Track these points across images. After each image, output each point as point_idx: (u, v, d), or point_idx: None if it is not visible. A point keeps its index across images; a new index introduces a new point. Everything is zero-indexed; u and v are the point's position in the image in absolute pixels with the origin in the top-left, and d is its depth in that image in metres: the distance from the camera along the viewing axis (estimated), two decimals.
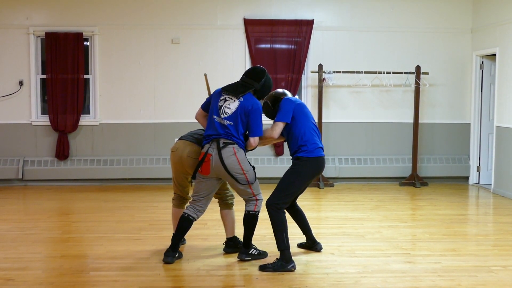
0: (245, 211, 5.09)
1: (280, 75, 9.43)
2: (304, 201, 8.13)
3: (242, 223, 5.09)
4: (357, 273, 4.77)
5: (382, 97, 9.69)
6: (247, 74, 5.08)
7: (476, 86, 9.59)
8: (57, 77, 9.21)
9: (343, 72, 9.33)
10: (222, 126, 4.92)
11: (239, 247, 5.24)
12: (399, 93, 9.70)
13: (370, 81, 9.48)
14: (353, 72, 9.37)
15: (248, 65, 9.45)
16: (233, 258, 5.16)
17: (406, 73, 9.45)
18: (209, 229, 6.22)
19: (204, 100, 5.22)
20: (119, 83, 9.43)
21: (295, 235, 5.56)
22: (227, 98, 4.96)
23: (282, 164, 9.42)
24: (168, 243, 5.56)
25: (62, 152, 9.29)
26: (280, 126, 4.98)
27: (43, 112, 9.47)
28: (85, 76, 9.37)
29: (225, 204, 5.33)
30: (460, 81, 9.80)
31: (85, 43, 9.37)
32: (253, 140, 4.96)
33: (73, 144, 9.40)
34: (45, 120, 9.35)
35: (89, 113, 9.52)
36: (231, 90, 4.97)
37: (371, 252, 5.42)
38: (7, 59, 9.30)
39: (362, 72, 9.36)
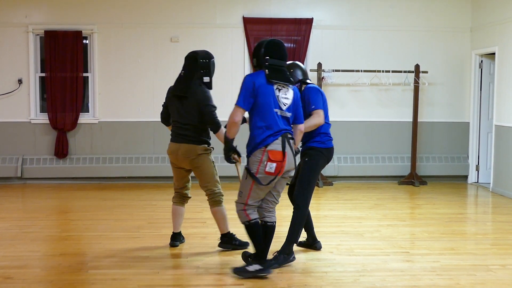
0: (270, 222, 4.67)
1: None
2: None
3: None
4: (355, 272, 4.77)
5: (381, 95, 9.69)
6: (279, 55, 4.59)
7: (475, 85, 9.59)
8: (56, 75, 9.21)
9: (342, 70, 9.33)
10: (284, 119, 4.54)
11: (233, 244, 5.28)
12: (398, 92, 9.70)
13: (369, 79, 9.48)
14: (352, 70, 9.37)
15: (247, 64, 9.45)
16: (232, 256, 5.16)
17: (405, 72, 9.45)
18: (208, 227, 6.21)
19: (240, 96, 4.48)
20: (118, 81, 9.42)
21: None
22: (280, 87, 4.54)
23: None
24: (166, 241, 5.58)
25: (61, 151, 9.28)
26: (322, 113, 4.88)
27: (42, 111, 9.46)
28: (84, 75, 9.36)
29: (215, 202, 5.29)
30: (459, 80, 9.80)
31: (84, 41, 9.36)
32: (303, 128, 4.70)
33: (72, 143, 9.40)
34: (44, 119, 9.34)
35: (88, 112, 9.51)
36: (282, 78, 4.53)
37: (370, 250, 5.42)
38: (6, 57, 9.29)
39: (361, 71, 9.35)
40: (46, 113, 9.31)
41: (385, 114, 9.72)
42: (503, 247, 5.64)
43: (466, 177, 9.81)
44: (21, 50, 9.26)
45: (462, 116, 9.82)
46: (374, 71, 9.40)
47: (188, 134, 5.20)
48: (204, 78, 5.35)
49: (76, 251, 5.41)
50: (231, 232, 5.38)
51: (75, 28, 9.22)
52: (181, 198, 5.45)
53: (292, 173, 4.74)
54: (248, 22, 9.41)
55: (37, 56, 9.37)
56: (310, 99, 4.91)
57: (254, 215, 4.56)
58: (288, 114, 4.55)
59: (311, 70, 9.40)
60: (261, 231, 4.59)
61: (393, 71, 9.43)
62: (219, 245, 5.38)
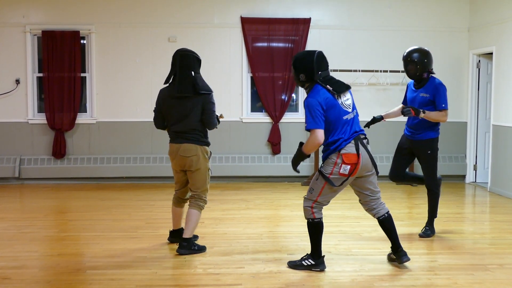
0: (381, 215, 4.85)
1: (277, 74, 9.43)
2: (301, 200, 8.12)
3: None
4: (353, 272, 4.77)
5: (379, 95, 9.69)
6: (326, 66, 4.74)
7: (473, 84, 9.61)
8: (53, 75, 9.20)
9: (340, 70, 9.31)
10: (352, 121, 4.67)
11: (192, 249, 5.19)
12: (396, 91, 9.68)
13: (367, 79, 9.48)
14: (350, 70, 9.37)
15: (245, 64, 9.46)
16: (230, 256, 5.17)
17: (403, 71, 9.37)
18: (206, 227, 6.21)
19: (313, 119, 4.53)
20: (116, 81, 9.42)
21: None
22: (338, 97, 4.62)
23: (279, 163, 9.42)
24: (165, 241, 5.58)
25: (58, 151, 9.27)
26: (447, 112, 5.73)
27: (39, 111, 9.46)
28: (82, 75, 9.35)
29: (197, 205, 5.25)
30: (457, 79, 9.81)
31: (82, 41, 9.36)
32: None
33: (69, 143, 9.39)
34: (41, 119, 9.34)
35: (85, 112, 9.50)
36: (343, 89, 4.65)
37: (368, 250, 5.42)
38: (4, 58, 9.28)
39: (359, 71, 9.36)
40: (44, 113, 9.30)
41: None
42: (501, 247, 5.65)
43: (463, 176, 9.82)
44: (18, 50, 9.26)
45: (459, 115, 9.83)
46: (372, 71, 9.41)
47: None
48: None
49: (74, 251, 5.41)
50: (192, 238, 5.30)
51: (72, 28, 9.21)
52: (178, 199, 5.45)
53: (371, 172, 4.77)
54: (246, 22, 9.41)
55: (34, 56, 9.36)
56: (443, 97, 5.81)
57: (319, 214, 4.75)
58: (354, 113, 4.72)
59: None
60: (322, 231, 4.78)
61: (390, 71, 9.44)
62: (177, 250, 5.20)
